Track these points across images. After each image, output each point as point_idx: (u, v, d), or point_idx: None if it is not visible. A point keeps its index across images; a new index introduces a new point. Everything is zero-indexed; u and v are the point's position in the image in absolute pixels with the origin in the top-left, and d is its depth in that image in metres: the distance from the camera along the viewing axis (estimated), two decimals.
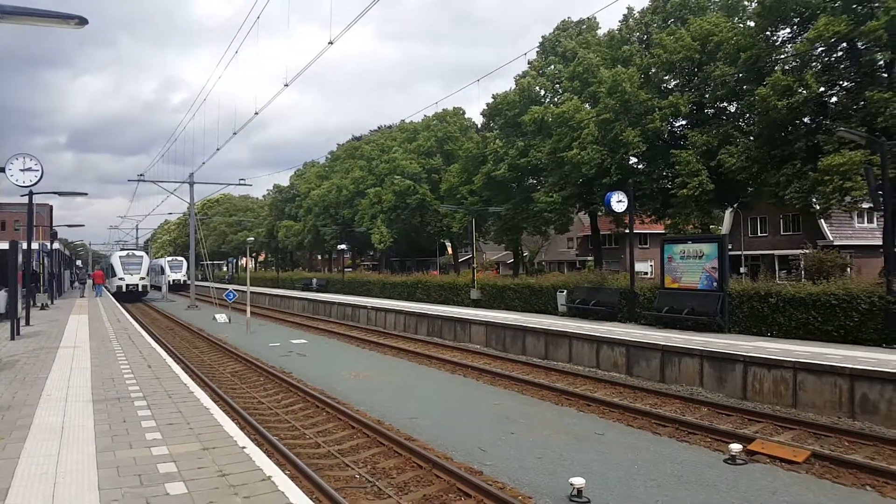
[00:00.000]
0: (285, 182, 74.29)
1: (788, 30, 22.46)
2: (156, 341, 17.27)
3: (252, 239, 58.53)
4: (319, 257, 75.10)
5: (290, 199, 67.50)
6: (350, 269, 57.11)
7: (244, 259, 74.24)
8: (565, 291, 21.60)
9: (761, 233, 43.39)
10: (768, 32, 22.52)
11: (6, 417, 7.39)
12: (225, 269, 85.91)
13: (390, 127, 61.43)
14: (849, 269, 27.92)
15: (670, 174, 26.77)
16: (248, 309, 26.98)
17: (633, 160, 28.76)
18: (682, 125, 27.86)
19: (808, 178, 20.19)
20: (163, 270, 59.69)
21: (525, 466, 8.22)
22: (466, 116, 49.77)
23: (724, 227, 43.49)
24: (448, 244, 57.74)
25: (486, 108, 37.04)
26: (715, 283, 16.08)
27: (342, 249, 47.36)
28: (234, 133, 34.68)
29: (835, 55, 20.80)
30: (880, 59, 19.54)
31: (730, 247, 25.54)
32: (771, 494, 7.26)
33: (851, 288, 13.92)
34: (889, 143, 16.01)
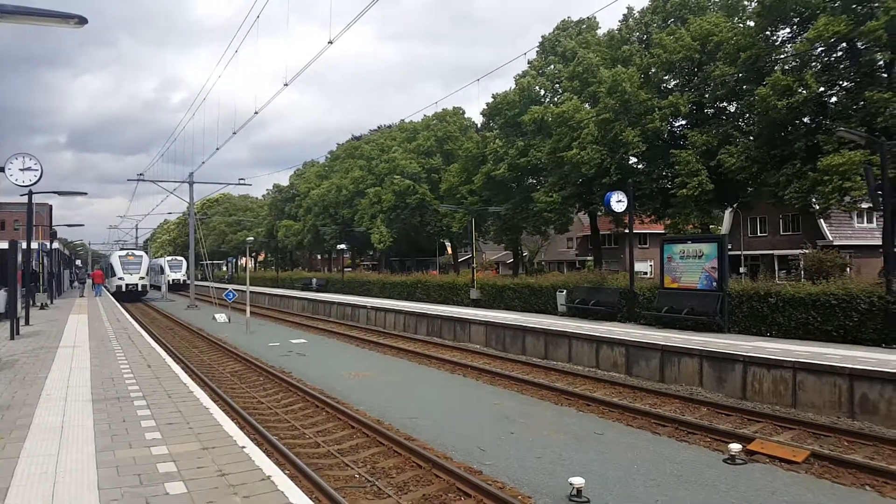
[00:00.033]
0: (285, 182, 74.39)
1: (788, 30, 22.46)
2: (155, 341, 17.26)
3: (252, 239, 58.58)
4: (319, 257, 75.10)
5: (289, 199, 67.51)
6: (350, 269, 57.10)
7: (244, 259, 74.23)
8: (565, 291, 21.60)
9: (761, 233, 43.40)
10: (768, 32, 22.52)
11: (6, 417, 7.39)
12: (224, 268, 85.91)
13: (390, 127, 61.46)
14: (848, 269, 27.93)
15: (670, 174, 26.77)
16: (248, 309, 26.97)
17: (633, 160, 28.76)
18: (681, 125, 27.86)
19: (808, 178, 20.19)
20: (162, 270, 59.67)
21: (525, 466, 8.22)
22: (466, 116, 49.81)
23: (724, 227, 43.52)
24: (448, 244, 57.75)
25: (485, 107, 37.06)
26: (714, 283, 16.08)
27: (342, 249, 47.35)
28: (234, 132, 34.74)
29: (834, 55, 20.81)
30: (880, 59, 19.53)
31: (729, 247, 25.54)
32: (770, 494, 7.26)
33: (851, 288, 13.93)
34: (889, 143, 16.01)
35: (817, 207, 21.66)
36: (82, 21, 7.62)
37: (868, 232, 38.12)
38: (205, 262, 57.04)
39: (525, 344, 18.38)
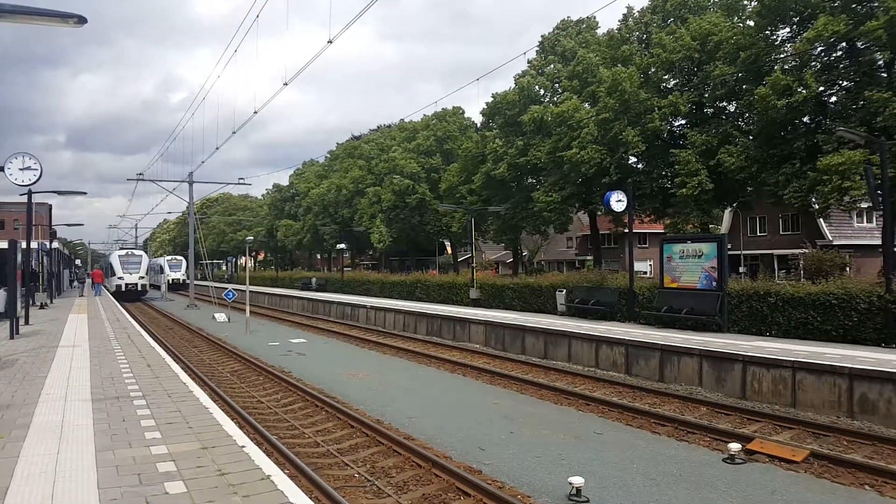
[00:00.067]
0: (284, 181, 74.37)
1: (788, 29, 22.47)
2: (155, 340, 17.26)
3: (251, 238, 58.62)
4: (319, 257, 75.10)
5: (289, 199, 67.52)
6: (349, 269, 57.12)
7: (243, 258, 74.22)
8: (564, 291, 21.60)
9: (760, 232, 43.41)
10: (768, 32, 22.52)
11: (5, 416, 7.38)
12: (224, 268, 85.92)
13: (390, 126, 61.45)
14: (848, 269, 27.95)
15: (670, 174, 26.78)
16: (248, 308, 26.96)
17: (633, 160, 28.77)
18: (681, 125, 27.86)
19: (808, 178, 20.20)
20: (162, 270, 59.65)
21: (524, 465, 8.22)
22: (466, 116, 49.82)
23: (724, 227, 43.55)
24: (447, 244, 57.77)
25: (485, 107, 37.07)
26: (714, 283, 16.08)
27: (341, 249, 47.35)
28: (234, 132, 34.69)
29: (834, 55, 20.82)
30: (880, 59, 19.55)
31: (729, 246, 25.55)
32: (770, 494, 7.26)
33: (850, 287, 13.94)
34: (888, 142, 16.05)
35: (817, 207, 21.68)
36: (82, 20, 7.62)
37: (868, 231, 38.13)
38: (204, 262, 57.08)
39: (525, 343, 18.38)
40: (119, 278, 45.54)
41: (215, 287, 42.51)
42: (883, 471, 7.79)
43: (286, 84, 20.17)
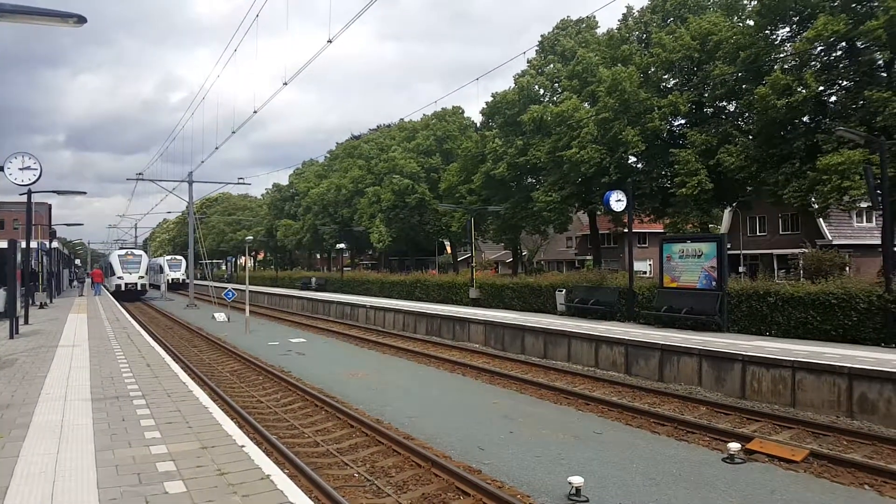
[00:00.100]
0: (284, 181, 74.34)
1: (788, 29, 22.46)
2: (155, 340, 17.26)
3: (251, 238, 58.56)
4: (318, 256, 75.09)
5: (288, 198, 67.49)
6: (349, 269, 57.09)
7: (243, 258, 74.24)
8: (564, 290, 21.60)
9: (760, 232, 43.41)
10: (767, 31, 22.51)
11: (5, 416, 7.38)
12: (224, 267, 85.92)
13: (389, 126, 61.42)
14: (847, 269, 27.95)
15: (669, 173, 26.78)
16: (247, 308, 26.96)
17: (632, 159, 28.76)
18: (681, 124, 27.85)
19: (807, 178, 20.19)
20: (161, 269, 59.66)
21: (524, 465, 8.23)
22: (465, 115, 49.78)
23: (723, 227, 43.55)
24: (447, 243, 57.77)
25: (485, 107, 37.04)
26: (714, 283, 16.09)
27: (341, 248, 47.34)
28: (233, 132, 34.54)
29: (834, 54, 20.81)
30: (879, 59, 19.54)
31: (729, 246, 25.55)
32: (769, 493, 7.26)
33: (850, 287, 13.94)
34: (888, 142, 16.04)
35: (816, 207, 21.67)
36: (81, 20, 7.62)
37: (867, 231, 38.14)
38: (204, 262, 57.00)
39: (524, 343, 18.38)
40: (119, 278, 45.53)
41: (215, 287, 42.48)
42: (882, 470, 7.80)
43: (286, 84, 20.18)
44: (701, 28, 25.10)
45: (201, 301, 42.33)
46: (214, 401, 9.28)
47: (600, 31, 34.13)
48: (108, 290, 45.64)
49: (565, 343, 16.82)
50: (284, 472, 5.73)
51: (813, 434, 9.61)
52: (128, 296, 44.10)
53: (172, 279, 58.63)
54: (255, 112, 25.86)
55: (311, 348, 20.39)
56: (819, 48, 20.64)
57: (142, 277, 46.90)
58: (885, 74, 19.58)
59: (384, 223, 47.47)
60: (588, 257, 49.64)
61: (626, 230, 24.19)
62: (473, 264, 28.45)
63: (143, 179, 41.35)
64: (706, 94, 25.61)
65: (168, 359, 12.23)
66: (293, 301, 39.52)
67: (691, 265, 16.75)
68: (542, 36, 36.11)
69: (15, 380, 9.75)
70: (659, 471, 7.99)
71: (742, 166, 22.51)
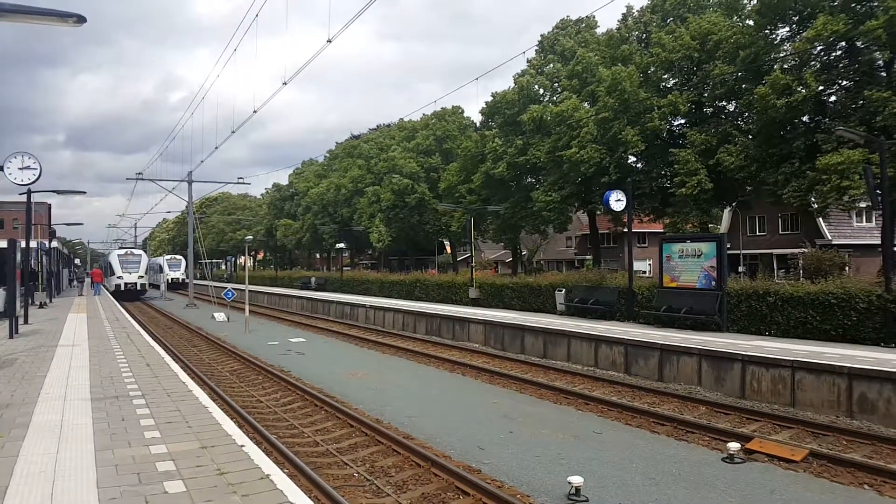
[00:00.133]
0: (284, 180, 74.34)
1: (787, 28, 22.44)
2: (154, 340, 17.26)
3: (250, 237, 58.54)
4: (318, 256, 75.10)
5: (288, 198, 67.48)
6: (348, 268, 57.12)
7: (243, 258, 74.22)
8: (564, 290, 21.61)
9: (760, 232, 43.42)
10: (767, 31, 22.51)
11: (5, 415, 7.38)
12: (224, 267, 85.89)
13: (389, 125, 61.42)
14: (847, 269, 27.95)
15: (669, 173, 26.76)
16: (247, 307, 26.96)
17: (632, 159, 28.74)
18: (680, 124, 27.84)
19: (807, 177, 20.19)
20: (161, 269, 59.65)
21: (523, 465, 8.23)
22: (465, 115, 49.76)
23: (723, 226, 43.55)
24: (446, 243, 57.75)
25: (484, 106, 37.01)
26: (713, 282, 16.09)
27: (341, 248, 47.34)
28: (233, 131, 34.43)
29: (834, 54, 20.81)
30: (879, 59, 19.53)
31: (728, 246, 25.57)
32: (769, 493, 7.27)
33: (850, 287, 13.95)
34: (887, 142, 16.03)
35: (816, 206, 21.66)
36: (81, 20, 7.61)
37: (867, 231, 38.16)
38: (204, 261, 57.02)
39: (524, 343, 18.39)
40: (118, 278, 45.52)
41: (214, 286, 42.49)
42: (882, 470, 7.80)
43: (285, 83, 20.18)
44: (700, 28, 25.10)
45: (201, 301, 42.32)
46: (214, 400, 9.28)
47: (600, 30, 34.12)
48: (107, 289, 45.63)
49: (565, 343, 16.83)
50: (284, 472, 5.73)
51: (812, 434, 9.61)
52: (127, 295, 44.09)
53: (172, 279, 58.62)
54: (254, 112, 25.88)
55: (310, 348, 20.39)
56: (819, 48, 20.63)
57: (141, 277, 46.90)
58: (884, 74, 19.57)
59: (384, 223, 47.47)
60: (588, 257, 49.63)
61: (625, 230, 24.19)
62: (473, 264, 28.45)
63: (142, 179, 41.37)
64: (706, 94, 25.60)
65: (168, 358, 12.22)
66: (293, 301, 39.51)
67: (691, 265, 16.75)
68: (541, 36, 36.12)
69: (15, 379, 9.75)
70: (658, 470, 8.00)
71: (742, 166, 22.51)
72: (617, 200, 19.03)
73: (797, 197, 20.95)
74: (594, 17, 35.98)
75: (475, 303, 26.11)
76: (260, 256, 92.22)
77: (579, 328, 17.03)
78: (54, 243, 39.35)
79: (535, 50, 35.80)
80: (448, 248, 59.81)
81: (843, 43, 20.25)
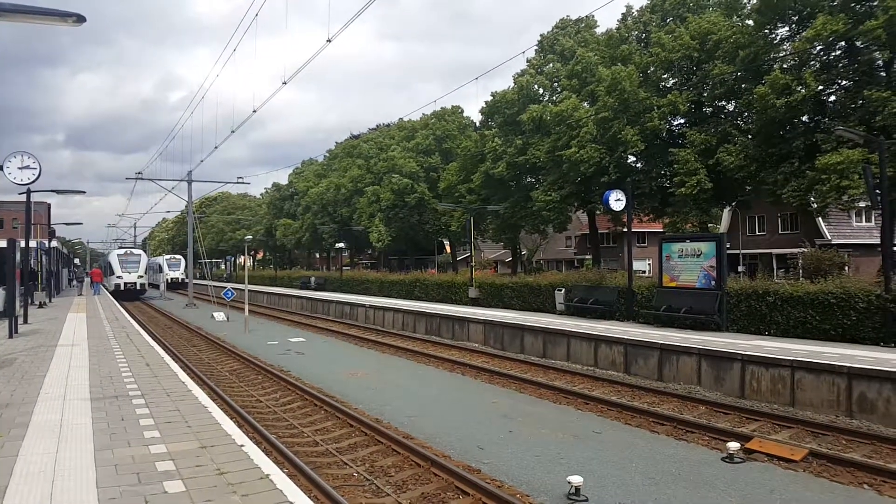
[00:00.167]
0: (283, 180, 74.34)
1: (787, 28, 22.45)
2: (154, 339, 17.26)
3: (250, 237, 58.59)
4: (318, 256, 75.08)
5: (288, 198, 67.46)
6: (348, 268, 57.12)
7: (242, 257, 74.20)
8: (563, 290, 21.61)
9: (759, 231, 43.43)
10: (767, 31, 22.51)
11: (4, 415, 7.38)
12: (223, 267, 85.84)
13: (389, 125, 61.42)
14: (847, 268, 27.96)
15: (669, 173, 26.77)
16: (246, 307, 26.96)
17: (632, 159, 28.73)
18: (680, 124, 27.84)
19: (806, 177, 20.19)
20: (161, 269, 59.63)
21: (523, 465, 8.23)
22: (465, 115, 49.74)
23: (723, 226, 43.56)
24: (446, 243, 57.75)
25: (484, 106, 37.02)
26: (713, 282, 16.09)
27: (340, 248, 47.33)
28: (233, 131, 34.46)
29: (833, 54, 20.81)
30: (879, 59, 19.53)
31: (728, 245, 25.56)
32: (768, 493, 7.27)
33: (849, 287, 13.96)
34: (887, 141, 16.04)
35: (815, 206, 21.67)
36: (81, 19, 7.61)
37: (866, 231, 38.17)
38: (203, 261, 57.00)
39: (524, 342, 18.39)
40: (118, 277, 45.53)
41: (214, 286, 42.49)
42: (881, 470, 7.81)
43: (285, 83, 20.17)
44: (700, 27, 25.10)
45: (200, 300, 42.32)
46: (213, 400, 9.28)
47: (599, 30, 34.13)
48: (107, 289, 45.62)
49: (564, 342, 16.83)
50: (284, 472, 5.73)
51: (812, 433, 9.61)
52: (127, 295, 44.09)
53: (171, 278, 58.61)
54: (254, 111, 25.89)
55: (310, 348, 20.39)
56: (818, 48, 20.63)
57: (141, 277, 46.90)
58: (884, 74, 19.57)
59: (383, 222, 47.46)
60: (587, 257, 49.62)
61: (625, 230, 24.19)
62: (473, 264, 28.45)
63: (142, 179, 41.32)
64: (705, 94, 25.60)
65: (167, 358, 12.22)
66: (292, 300, 39.51)
67: (690, 264, 16.75)
68: (541, 35, 36.11)
69: (14, 379, 9.74)
70: (658, 470, 8.00)
71: (741, 166, 22.51)
72: (616, 200, 19.03)
73: (797, 197, 20.95)
74: (594, 16, 36.02)
75: (475, 302, 26.11)
76: (259, 256, 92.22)
77: (579, 328, 17.03)
78: (54, 243, 39.34)
79: (535, 50, 35.82)
80: (448, 248, 59.81)
81: (843, 43, 20.25)
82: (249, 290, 30.39)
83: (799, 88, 20.22)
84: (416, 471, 7.95)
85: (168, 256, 67.15)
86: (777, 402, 11.40)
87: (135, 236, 76.70)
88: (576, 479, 7.03)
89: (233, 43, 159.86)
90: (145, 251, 66.07)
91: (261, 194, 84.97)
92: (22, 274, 19.83)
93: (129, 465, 5.53)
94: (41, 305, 27.23)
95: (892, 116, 17.80)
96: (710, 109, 26.37)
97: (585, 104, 29.59)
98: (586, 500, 6.96)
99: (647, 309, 18.15)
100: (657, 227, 37.71)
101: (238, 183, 42.42)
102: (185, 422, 7.03)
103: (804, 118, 21.61)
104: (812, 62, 20.85)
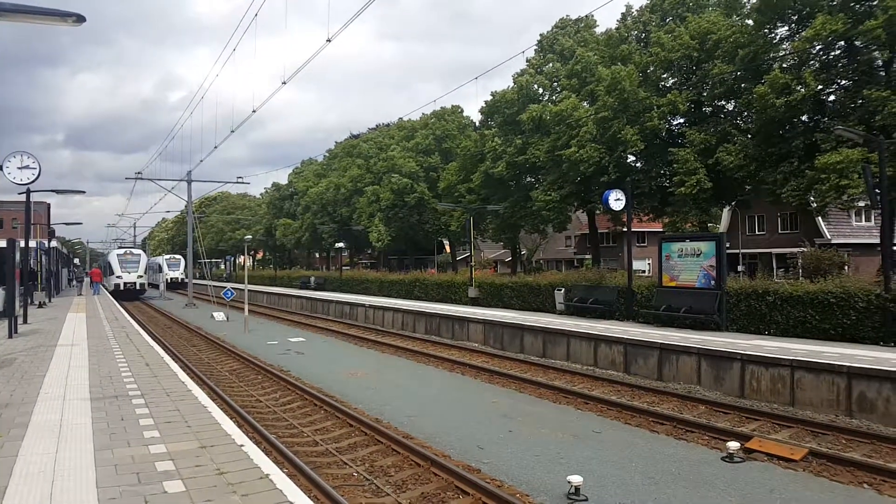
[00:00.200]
0: (283, 180, 74.34)
1: (786, 28, 22.45)
2: (154, 339, 17.26)
3: (250, 237, 58.58)
4: (317, 255, 75.07)
5: (287, 197, 67.46)
6: (348, 268, 57.11)
7: (242, 257, 74.19)
8: (563, 290, 21.61)
9: (759, 231, 43.45)
10: (766, 30, 22.52)
11: (4, 415, 7.37)
12: (223, 267, 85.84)
13: (388, 125, 61.43)
14: (846, 268, 27.98)
15: (668, 172, 26.77)
16: (246, 307, 26.95)
17: (632, 158, 28.74)
18: (680, 123, 27.85)
19: (806, 177, 20.19)
20: (160, 269, 59.64)
21: (523, 464, 8.23)
22: (465, 114, 49.75)
23: (722, 226, 43.57)
24: (446, 242, 57.75)
25: (484, 106, 37.02)
26: (713, 282, 16.10)
27: (340, 248, 47.32)
28: (232, 131, 34.43)
29: (833, 53, 20.81)
30: (878, 58, 19.53)
31: (727, 245, 25.56)
32: (768, 492, 7.27)
33: (849, 286, 13.97)
34: (886, 141, 16.05)
35: (815, 205, 21.68)
36: (80, 19, 7.61)
37: (866, 230, 38.18)
38: (203, 261, 57.02)
39: (523, 342, 18.39)
40: (118, 277, 45.53)
41: (214, 286, 42.48)
42: (881, 469, 7.81)
43: (285, 83, 20.17)
44: (700, 27, 25.10)
45: (200, 300, 42.31)
46: (213, 400, 9.28)
47: (599, 30, 34.13)
48: (106, 289, 45.62)
49: (564, 342, 16.83)
50: (283, 472, 5.73)
51: (812, 433, 9.62)
52: (127, 295, 44.09)
53: (171, 278, 58.62)
54: (254, 111, 25.89)
55: (310, 347, 20.39)
56: (818, 47, 20.64)
57: (141, 277, 46.90)
58: (883, 73, 19.57)
59: (383, 222, 47.47)
60: (587, 256, 49.60)
61: (624, 229, 24.19)
62: (472, 263, 28.45)
63: (142, 179, 41.28)
64: (705, 93, 25.61)
65: (167, 358, 12.22)
66: (292, 300, 39.51)
67: (690, 264, 16.76)
68: (541, 35, 36.11)
69: (14, 379, 9.74)
70: (658, 470, 8.00)
71: (741, 165, 22.52)
72: (616, 200, 19.04)
73: (796, 196, 20.96)
74: (593, 16, 36.01)
75: (474, 302, 26.11)
76: (259, 256, 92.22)
77: (578, 327, 17.03)
78: (53, 243, 39.34)
79: (535, 49, 35.82)
80: (447, 248, 59.82)
81: (843, 42, 20.25)
82: (249, 290, 30.39)
83: (798, 88, 20.22)
84: (416, 470, 7.96)
85: (168, 256, 67.15)
86: (777, 402, 11.41)
87: (134, 236, 76.75)
88: (576, 479, 7.04)
89: (232, 43, 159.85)
90: (145, 251, 66.05)
91: (260, 194, 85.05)
92: (21, 274, 19.82)
93: (128, 465, 5.53)
94: (41, 305, 27.22)
95: (892, 116, 17.80)
96: (710, 109, 26.38)
97: (585, 104, 29.60)
98: (586, 500, 6.96)
99: (646, 308, 18.15)
100: (657, 227, 37.72)
101: (238, 183, 42.46)
102: (185, 422, 7.03)
103: (804, 118, 21.62)
104: (811, 62, 20.86)
